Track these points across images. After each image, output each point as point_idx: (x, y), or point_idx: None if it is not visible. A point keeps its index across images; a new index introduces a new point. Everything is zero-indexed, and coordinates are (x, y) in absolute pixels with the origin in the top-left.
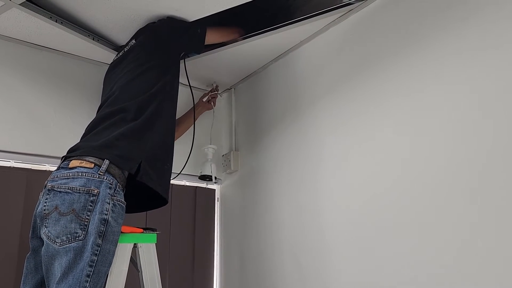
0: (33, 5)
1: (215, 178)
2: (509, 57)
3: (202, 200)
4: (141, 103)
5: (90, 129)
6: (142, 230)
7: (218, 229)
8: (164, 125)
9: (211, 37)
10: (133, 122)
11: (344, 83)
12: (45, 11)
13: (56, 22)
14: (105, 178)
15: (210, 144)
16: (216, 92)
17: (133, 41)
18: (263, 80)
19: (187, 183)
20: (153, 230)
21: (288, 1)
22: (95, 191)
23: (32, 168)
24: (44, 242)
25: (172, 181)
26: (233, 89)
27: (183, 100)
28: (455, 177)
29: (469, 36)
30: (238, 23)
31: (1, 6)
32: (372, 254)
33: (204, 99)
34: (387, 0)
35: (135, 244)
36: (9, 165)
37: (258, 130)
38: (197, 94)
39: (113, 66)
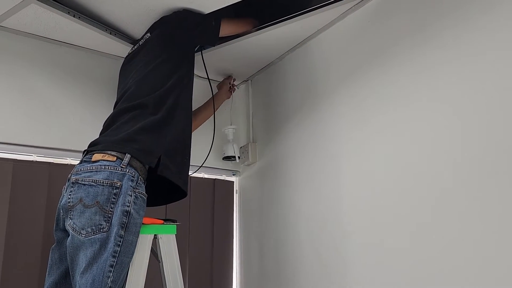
0: (51, 0)
1: (238, 157)
2: None
3: (220, 192)
4: (158, 97)
5: (109, 124)
6: (162, 221)
7: (237, 221)
8: (183, 118)
9: (226, 29)
10: (152, 117)
11: (362, 72)
12: (63, 6)
13: (74, 17)
14: (127, 171)
15: (230, 125)
16: (232, 81)
17: (148, 34)
18: (280, 71)
19: (206, 176)
20: (173, 221)
21: None
22: (118, 184)
23: (55, 162)
24: (70, 233)
25: (191, 174)
26: (250, 80)
27: (201, 91)
28: (480, 167)
29: (493, 25)
30: (253, 14)
31: (20, 2)
32: (392, 245)
33: (223, 88)
34: None
35: (155, 235)
36: (31, 159)
37: (275, 121)
38: (213, 86)
39: (128, 60)
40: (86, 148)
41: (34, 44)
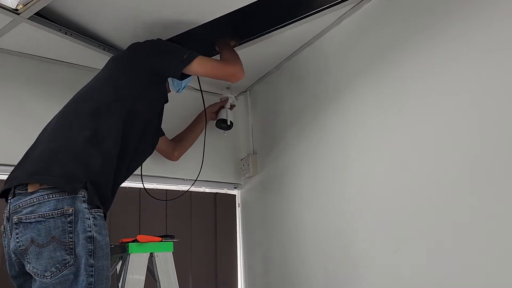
0: (42, 18)
1: (231, 122)
2: None
3: (222, 207)
4: (90, 118)
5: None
6: (160, 238)
7: (240, 235)
8: (116, 147)
9: (198, 67)
10: (76, 139)
11: (364, 76)
12: (54, 24)
13: (65, 34)
14: (77, 192)
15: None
16: (224, 104)
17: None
18: (278, 80)
19: (207, 190)
20: (171, 237)
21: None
22: (70, 210)
23: None
24: (33, 278)
25: (191, 188)
26: (248, 91)
27: (191, 105)
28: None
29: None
30: (246, 24)
31: (10, 21)
32: (401, 255)
33: (210, 109)
34: None
35: (151, 253)
36: None
37: (275, 132)
38: (210, 99)
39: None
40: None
41: (28, 63)
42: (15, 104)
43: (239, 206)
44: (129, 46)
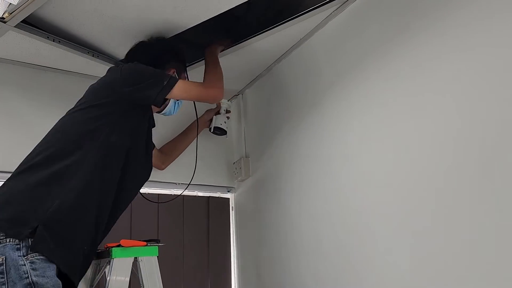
0: (29, 26)
1: (225, 128)
2: None
3: (215, 210)
4: (57, 151)
5: None
6: (145, 243)
7: (234, 240)
8: (84, 183)
9: (181, 92)
10: (38, 173)
11: (348, 77)
12: (41, 31)
13: (53, 41)
14: (7, 240)
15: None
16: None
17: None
18: (269, 82)
19: (200, 194)
20: (157, 241)
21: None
22: (0, 260)
23: None
24: None
25: (184, 192)
26: (240, 95)
27: (184, 111)
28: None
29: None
30: (234, 27)
31: None
32: (391, 258)
33: (204, 116)
34: None
35: (136, 257)
36: None
37: (266, 135)
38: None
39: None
40: None
41: (18, 71)
42: (5, 111)
43: (232, 210)
44: (106, 73)
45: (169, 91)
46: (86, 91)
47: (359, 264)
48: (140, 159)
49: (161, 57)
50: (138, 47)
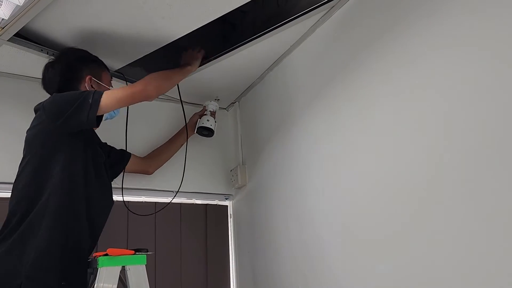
0: (22, 39)
1: (210, 127)
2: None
3: (213, 218)
4: (18, 206)
5: None
6: (133, 251)
7: (232, 248)
8: (52, 225)
9: (110, 101)
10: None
11: (335, 84)
12: (35, 44)
13: (47, 54)
14: None
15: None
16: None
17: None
18: (262, 90)
19: (197, 201)
20: (146, 250)
21: (268, 9)
22: None
23: None
24: None
25: (181, 200)
26: (237, 102)
27: (173, 116)
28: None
29: (459, 19)
30: (221, 36)
31: None
32: (381, 269)
33: (193, 121)
34: None
35: (123, 266)
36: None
37: (260, 142)
38: (191, 109)
39: None
40: None
41: (14, 84)
42: (2, 124)
43: (231, 217)
44: (32, 122)
45: (97, 108)
46: (24, 146)
47: (361, 271)
48: (94, 185)
49: (71, 69)
50: (45, 72)
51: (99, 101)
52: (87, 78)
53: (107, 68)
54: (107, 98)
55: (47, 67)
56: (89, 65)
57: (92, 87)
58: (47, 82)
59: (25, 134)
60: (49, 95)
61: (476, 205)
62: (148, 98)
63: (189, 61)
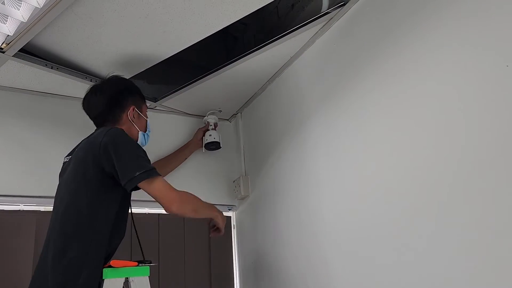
0: (27, 55)
1: (216, 141)
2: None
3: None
4: (70, 240)
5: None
6: (136, 263)
7: (236, 259)
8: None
9: (158, 186)
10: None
11: (335, 93)
12: (39, 59)
13: (51, 68)
14: None
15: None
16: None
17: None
18: (264, 102)
19: None
20: (149, 262)
21: (269, 21)
22: None
23: (41, 210)
24: None
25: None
26: (239, 114)
27: (177, 130)
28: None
29: (451, 31)
30: (223, 48)
31: None
32: (380, 277)
33: (196, 136)
34: (362, 3)
35: (127, 278)
36: (18, 209)
37: (263, 153)
38: (193, 121)
39: (65, 167)
40: None
41: (19, 98)
42: (7, 137)
43: (234, 228)
44: (82, 144)
45: (143, 181)
46: (74, 160)
47: (365, 282)
48: (125, 218)
49: (118, 98)
50: (90, 96)
51: (155, 177)
52: (131, 108)
53: (145, 100)
54: (159, 183)
55: (93, 92)
56: (134, 96)
57: (133, 116)
58: (91, 106)
59: (29, 146)
60: (86, 114)
61: (476, 207)
62: (172, 211)
63: (221, 214)
